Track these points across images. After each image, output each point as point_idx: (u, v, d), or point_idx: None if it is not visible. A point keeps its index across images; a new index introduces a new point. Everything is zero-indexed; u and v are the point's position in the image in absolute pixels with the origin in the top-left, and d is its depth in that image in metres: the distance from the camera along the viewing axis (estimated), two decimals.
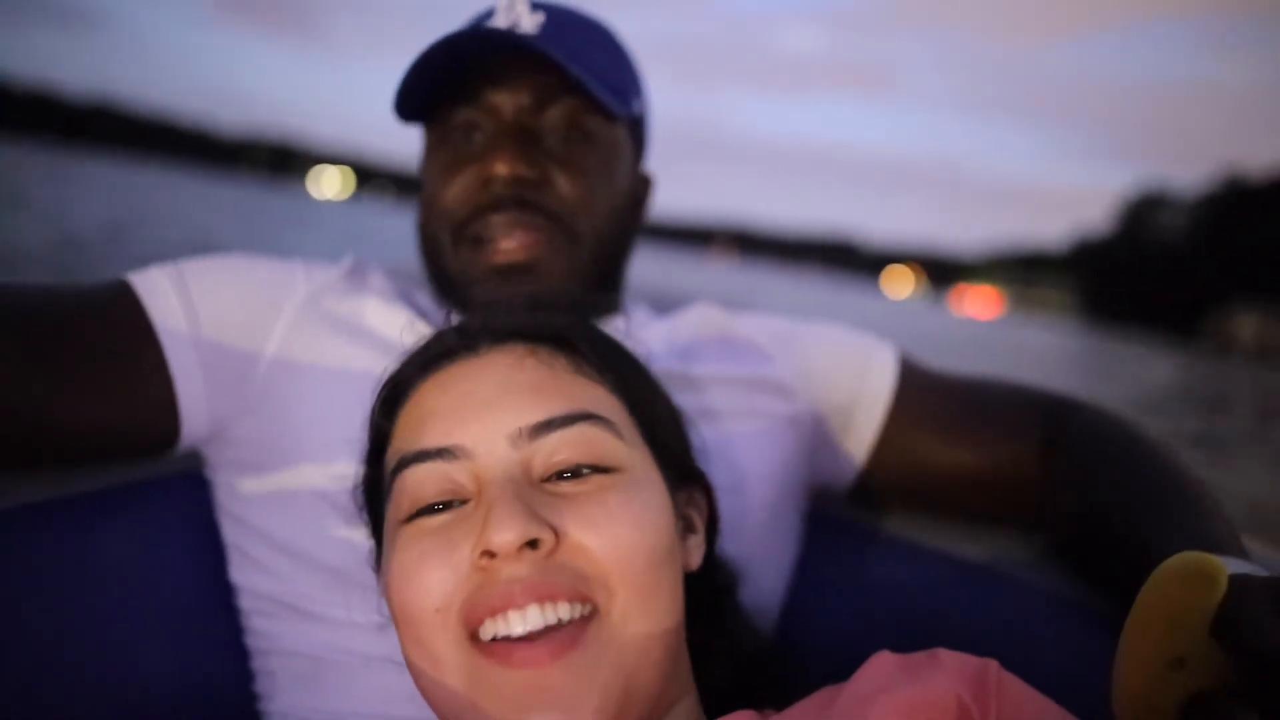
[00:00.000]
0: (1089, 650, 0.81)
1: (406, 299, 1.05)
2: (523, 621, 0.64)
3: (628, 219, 1.11)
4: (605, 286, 1.09)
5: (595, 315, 0.88)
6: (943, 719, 0.62)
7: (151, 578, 0.97)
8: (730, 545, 0.90)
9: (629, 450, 0.72)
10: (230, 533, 0.98)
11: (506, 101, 1.02)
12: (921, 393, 1.07)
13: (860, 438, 1.07)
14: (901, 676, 0.66)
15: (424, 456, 0.70)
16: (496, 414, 0.70)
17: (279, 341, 0.97)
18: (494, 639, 0.65)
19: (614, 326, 0.85)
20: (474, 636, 0.66)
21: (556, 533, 0.66)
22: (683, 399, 0.88)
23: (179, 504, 1.01)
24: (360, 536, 0.84)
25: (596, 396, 0.73)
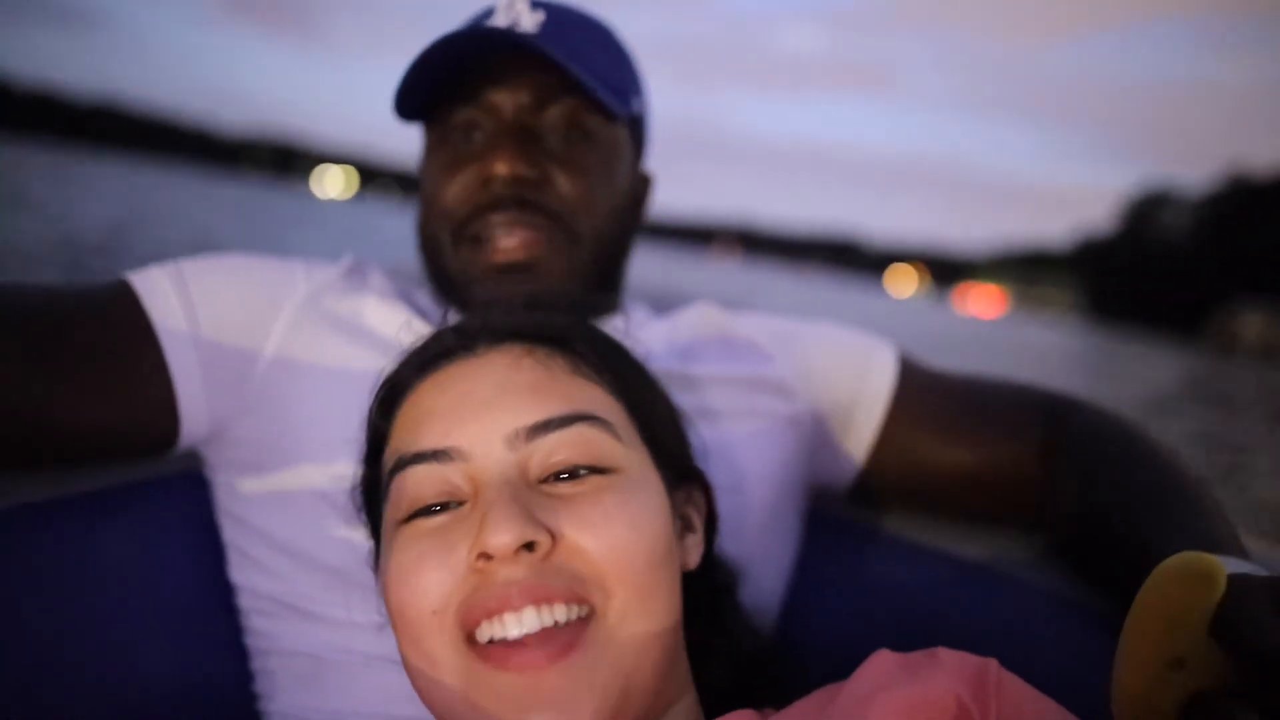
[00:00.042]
0: (1089, 650, 0.81)
1: (406, 298, 1.05)
2: (519, 624, 0.64)
3: (628, 218, 1.11)
4: (605, 286, 1.09)
5: (594, 315, 0.87)
6: (942, 718, 0.62)
7: (151, 578, 0.97)
8: (730, 545, 0.90)
9: (626, 451, 0.72)
10: (230, 532, 0.98)
11: (506, 101, 1.02)
12: (921, 392, 1.07)
13: (860, 437, 1.07)
14: (901, 675, 0.65)
15: (421, 458, 0.70)
16: (494, 415, 0.70)
17: (278, 341, 0.97)
18: (491, 641, 0.65)
19: (612, 326, 0.85)
20: (470, 638, 0.66)
21: (553, 534, 0.66)
22: (682, 399, 0.88)
23: (179, 504, 1.01)
24: (360, 536, 0.84)
25: (594, 397, 0.73)
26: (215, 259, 1.01)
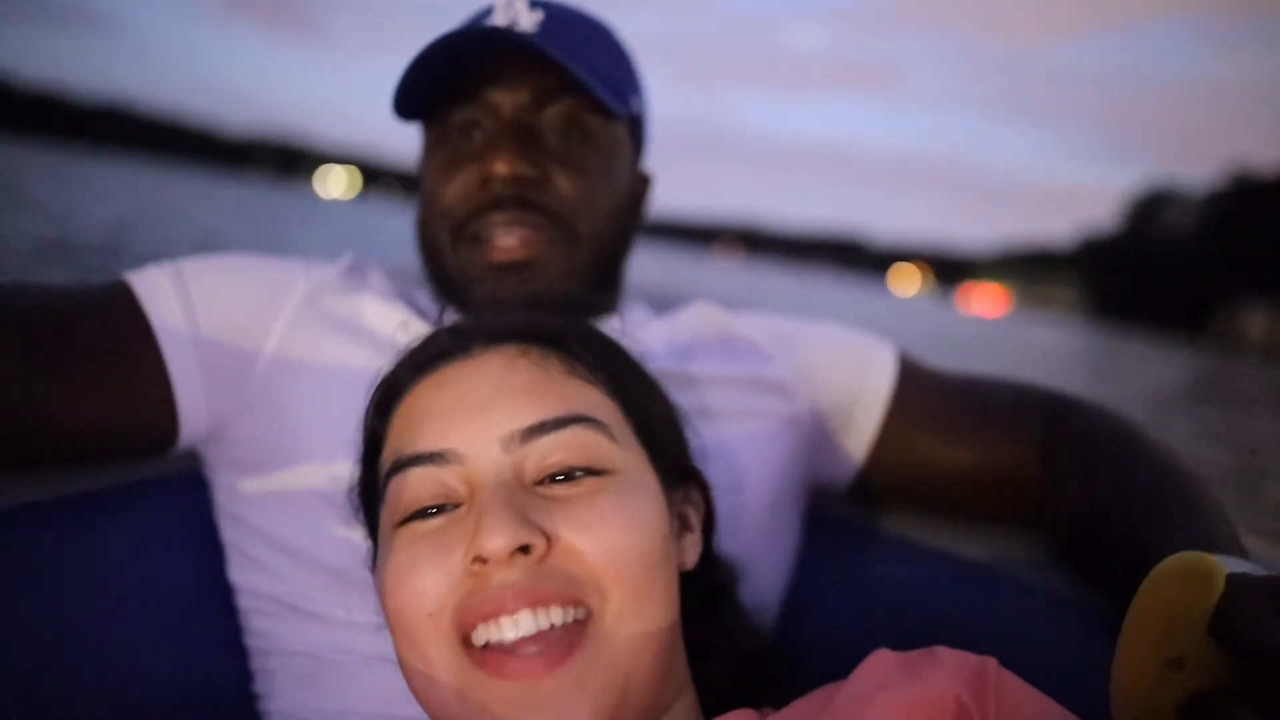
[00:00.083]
0: (1089, 650, 0.81)
1: (405, 298, 1.05)
2: (515, 627, 0.64)
3: (627, 218, 1.11)
4: (604, 285, 1.09)
5: (592, 315, 0.87)
6: (941, 717, 0.61)
7: (151, 578, 0.97)
8: (730, 545, 0.90)
9: (622, 452, 0.72)
10: (230, 532, 0.98)
11: (505, 100, 1.02)
12: (921, 392, 1.07)
13: (860, 437, 1.07)
14: (900, 674, 0.65)
15: (417, 461, 0.70)
16: (489, 417, 0.70)
17: (278, 340, 0.97)
18: (487, 644, 0.65)
19: (609, 326, 0.85)
20: (467, 641, 0.66)
21: (548, 537, 0.66)
22: (682, 398, 0.88)
23: (179, 504, 1.01)
24: (360, 536, 0.84)
25: (589, 397, 0.73)
26: (214, 259, 1.01)
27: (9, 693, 0.84)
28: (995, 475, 1.03)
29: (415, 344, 0.78)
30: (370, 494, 0.78)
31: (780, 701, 0.71)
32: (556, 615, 0.65)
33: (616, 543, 0.67)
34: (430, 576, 0.66)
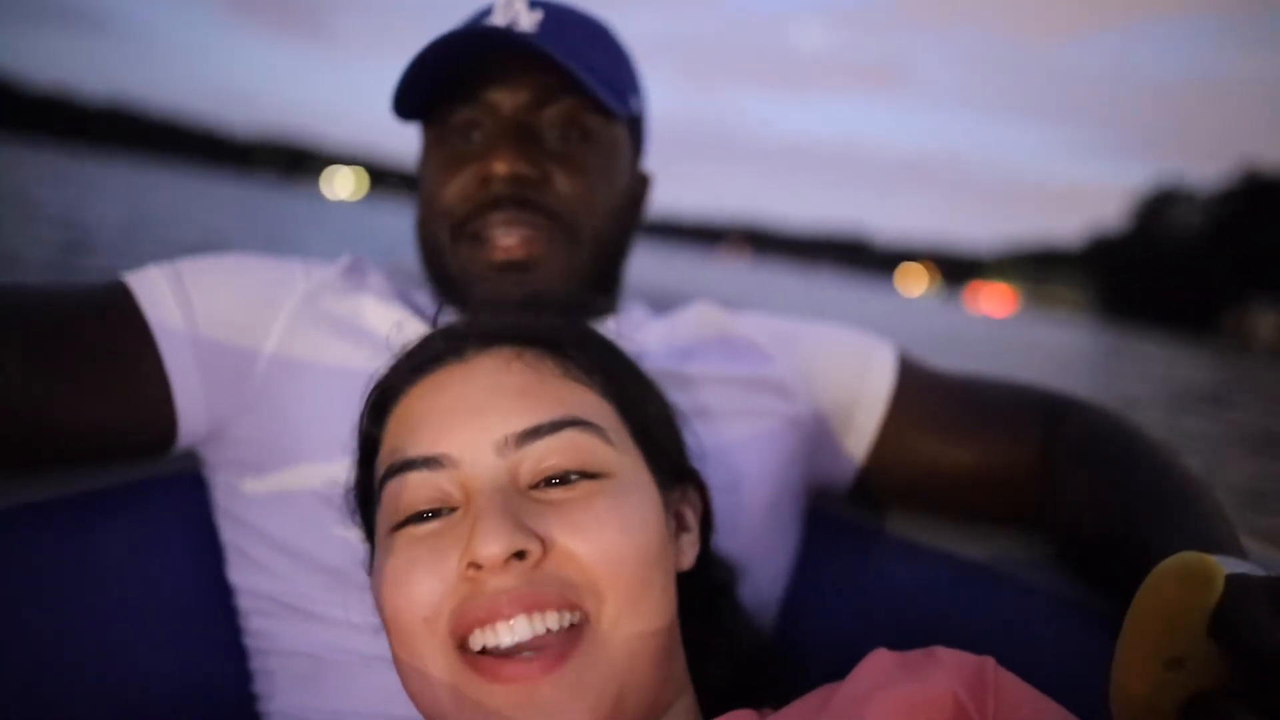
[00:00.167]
0: (1089, 650, 0.81)
1: (404, 298, 1.05)
2: (511, 633, 0.64)
3: (627, 217, 1.11)
4: (604, 285, 1.09)
5: (589, 315, 0.87)
6: (940, 717, 0.61)
7: (151, 578, 0.98)
8: (729, 545, 0.89)
9: (618, 455, 0.72)
10: (229, 532, 0.98)
11: (505, 100, 1.02)
12: (921, 392, 1.07)
13: (860, 437, 1.06)
14: (899, 674, 0.65)
15: (412, 465, 0.70)
16: (483, 421, 0.70)
17: (277, 340, 0.97)
18: (483, 649, 0.65)
19: (605, 327, 0.85)
20: (463, 645, 0.66)
21: (544, 541, 0.66)
22: (681, 399, 0.88)
23: (179, 504, 1.02)
24: (359, 536, 0.84)
25: (584, 400, 0.73)
26: (213, 258, 1.01)
27: (9, 693, 0.84)
28: (995, 475, 1.03)
29: (409, 347, 0.78)
30: (366, 497, 0.78)
31: (780, 701, 0.71)
32: (552, 620, 0.65)
33: (612, 546, 0.66)
34: (426, 581, 0.66)
